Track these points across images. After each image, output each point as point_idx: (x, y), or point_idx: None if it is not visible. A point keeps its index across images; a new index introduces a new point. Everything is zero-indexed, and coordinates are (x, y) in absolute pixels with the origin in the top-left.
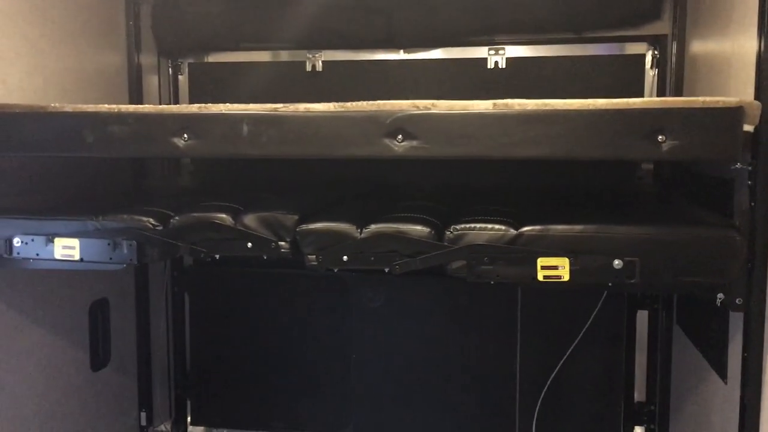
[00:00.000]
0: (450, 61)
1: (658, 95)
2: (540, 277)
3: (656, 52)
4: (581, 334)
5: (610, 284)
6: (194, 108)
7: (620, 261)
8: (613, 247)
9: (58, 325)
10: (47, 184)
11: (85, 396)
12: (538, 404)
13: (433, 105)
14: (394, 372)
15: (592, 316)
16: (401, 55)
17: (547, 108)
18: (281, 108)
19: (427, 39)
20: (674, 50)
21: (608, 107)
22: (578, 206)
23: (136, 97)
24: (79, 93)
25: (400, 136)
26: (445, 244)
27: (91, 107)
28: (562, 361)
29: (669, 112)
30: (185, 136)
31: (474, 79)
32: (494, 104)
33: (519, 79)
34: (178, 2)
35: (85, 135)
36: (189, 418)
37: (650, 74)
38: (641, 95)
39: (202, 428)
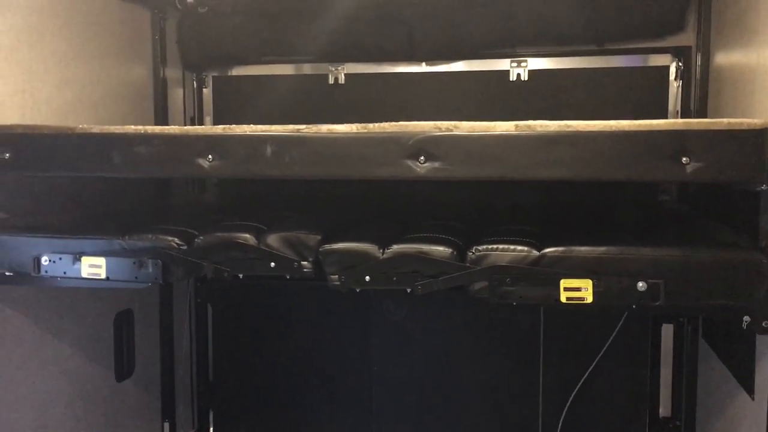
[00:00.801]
0: (472, 74)
1: (682, 108)
2: (563, 299)
3: (680, 64)
4: (605, 348)
5: (633, 306)
6: (219, 129)
7: (644, 283)
8: (637, 269)
9: (84, 335)
10: (74, 201)
11: (110, 406)
12: (561, 419)
13: (455, 126)
14: (415, 385)
15: (616, 330)
16: (423, 68)
17: (569, 129)
18: (304, 129)
19: (449, 51)
20: (699, 62)
21: (631, 129)
22: (601, 226)
23: (162, 110)
24: (106, 106)
25: (422, 158)
26: (467, 264)
27: (118, 128)
28: (585, 376)
29: (693, 134)
30: (210, 156)
31: (496, 92)
32: (516, 126)
33: (541, 91)
34: (202, 17)
35: (112, 155)
36: (211, 429)
37: (674, 86)
38: (665, 108)
39: None
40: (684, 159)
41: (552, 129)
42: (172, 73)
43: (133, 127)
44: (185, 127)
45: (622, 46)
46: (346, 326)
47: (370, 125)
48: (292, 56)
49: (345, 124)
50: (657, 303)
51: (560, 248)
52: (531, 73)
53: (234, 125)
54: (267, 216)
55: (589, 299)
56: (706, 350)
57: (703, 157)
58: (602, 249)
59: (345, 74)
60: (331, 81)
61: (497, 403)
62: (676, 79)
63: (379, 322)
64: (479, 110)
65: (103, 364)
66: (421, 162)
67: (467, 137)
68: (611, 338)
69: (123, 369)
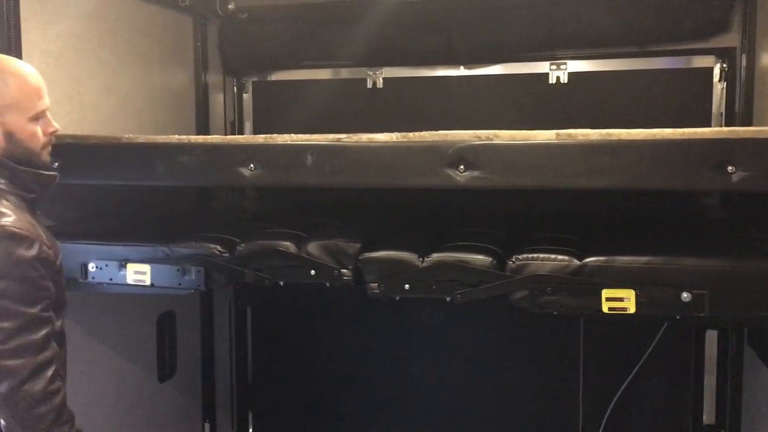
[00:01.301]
0: (510, 77)
1: (726, 110)
2: (605, 309)
3: (724, 66)
4: (647, 354)
5: (677, 317)
6: (260, 139)
7: (689, 293)
8: (681, 279)
9: (127, 336)
10: (119, 207)
11: (152, 406)
12: (602, 427)
13: (495, 135)
14: (452, 388)
15: (659, 336)
16: (461, 71)
17: (611, 138)
18: (344, 138)
19: (487, 55)
20: (743, 63)
21: (675, 137)
22: (642, 233)
23: (203, 115)
24: (150, 112)
25: (462, 167)
26: (507, 273)
27: (162, 138)
28: (626, 383)
29: (738, 143)
30: (251, 165)
31: (535, 95)
32: (557, 134)
33: (581, 94)
34: (243, 23)
35: (156, 164)
36: (251, 429)
37: (718, 88)
38: (709, 111)
39: None
40: (729, 168)
41: (593, 137)
42: (213, 78)
43: (176, 136)
44: (227, 137)
45: (665, 48)
46: (384, 329)
47: (410, 134)
48: (330, 61)
49: (385, 134)
50: (702, 314)
51: (602, 258)
52: (570, 75)
53: (275, 135)
54: (306, 223)
55: (632, 309)
56: (752, 357)
57: (749, 166)
58: (645, 259)
59: (383, 78)
60: (369, 85)
61: (535, 409)
62: (720, 81)
63: (416, 326)
64: (518, 113)
65: (146, 365)
66: (461, 171)
67: (507, 146)
68: (653, 344)
69: (165, 370)
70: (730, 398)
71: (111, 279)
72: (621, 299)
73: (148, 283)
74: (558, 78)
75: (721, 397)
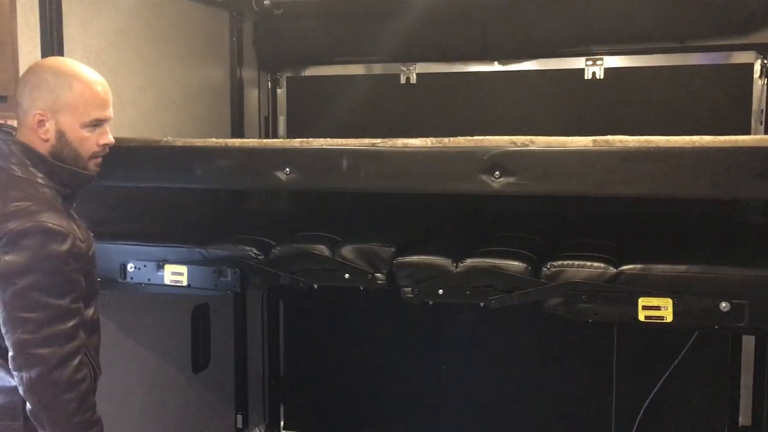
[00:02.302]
0: (546, 73)
1: (767, 107)
2: (641, 318)
3: (765, 62)
4: (682, 354)
5: (716, 327)
6: (296, 143)
7: (727, 303)
8: (720, 289)
9: (163, 328)
10: (155, 207)
11: (186, 396)
12: (635, 427)
13: (531, 141)
14: (484, 386)
15: (694, 336)
16: (496, 67)
17: (649, 145)
18: (379, 143)
19: (522, 50)
20: None
21: (715, 145)
22: (680, 240)
23: (238, 110)
24: (187, 106)
25: (497, 172)
26: (542, 280)
27: (200, 141)
28: (660, 382)
29: None
30: (287, 169)
31: (570, 91)
32: (594, 141)
33: (618, 90)
34: (278, 19)
35: (194, 167)
36: (282, 423)
37: (758, 85)
38: (749, 107)
39: None
40: None
41: (631, 144)
42: (248, 73)
43: (213, 140)
44: (263, 140)
45: (704, 43)
46: (416, 324)
47: (445, 140)
48: (364, 56)
49: (420, 139)
50: (741, 324)
51: (638, 266)
52: (607, 71)
53: (311, 139)
54: (340, 226)
55: (669, 318)
56: None
57: None
58: (682, 267)
59: (417, 74)
60: (402, 81)
61: (568, 407)
62: (760, 77)
63: (449, 323)
64: (553, 110)
65: (181, 356)
66: (497, 177)
67: (543, 152)
68: (689, 344)
69: (199, 361)
70: (767, 399)
71: (149, 279)
72: (658, 308)
73: (185, 284)
74: (594, 74)
75: (757, 398)
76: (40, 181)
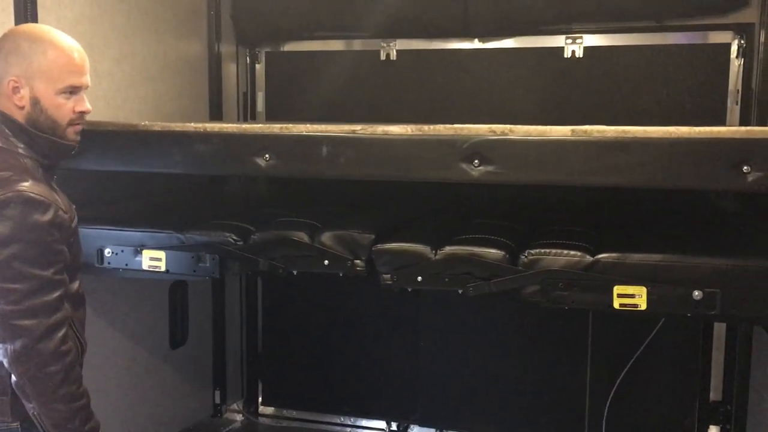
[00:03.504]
0: (525, 50)
1: (743, 87)
2: (616, 305)
3: (743, 42)
4: (655, 331)
5: (688, 315)
6: (276, 128)
7: (700, 292)
8: (693, 277)
9: (140, 304)
10: (132, 189)
11: (164, 372)
12: (608, 401)
13: (510, 130)
14: (462, 365)
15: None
16: (476, 44)
17: (627, 136)
18: (359, 130)
19: (502, 28)
20: (762, 39)
21: (691, 136)
22: (657, 229)
23: (216, 85)
24: (164, 80)
25: (476, 161)
26: (520, 268)
27: (178, 126)
28: (633, 359)
29: (755, 143)
30: (267, 156)
31: (550, 69)
32: (573, 131)
33: (596, 69)
34: None
35: (173, 152)
36: (260, 399)
37: (735, 65)
38: (725, 87)
39: (272, 409)
40: (745, 168)
41: (609, 135)
42: (227, 48)
43: (193, 125)
44: (243, 126)
45: (682, 23)
46: (394, 302)
47: (425, 127)
48: (344, 32)
49: (400, 126)
50: (713, 312)
51: (614, 254)
52: (586, 50)
53: (290, 125)
54: (320, 211)
55: (643, 306)
56: (761, 333)
57: (765, 167)
58: (657, 257)
59: (397, 50)
60: (382, 57)
61: (544, 380)
62: (737, 57)
63: (426, 298)
64: (533, 88)
65: (158, 332)
66: (476, 165)
67: (522, 141)
68: (661, 322)
69: (177, 337)
70: (737, 375)
71: (127, 264)
72: (632, 296)
73: (163, 269)
74: (573, 52)
75: (728, 373)
76: (20, 151)
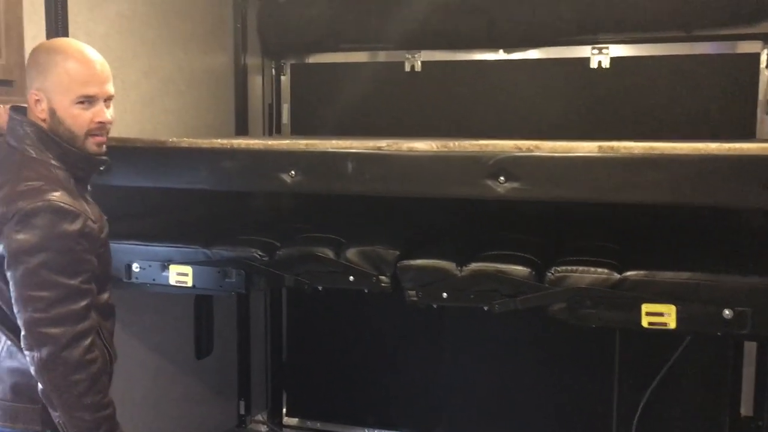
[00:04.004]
0: (551, 61)
1: None
2: (644, 324)
3: None
4: (684, 345)
5: (719, 334)
6: (301, 145)
7: (731, 311)
8: (724, 296)
9: (167, 314)
10: (160, 202)
11: (190, 382)
12: (637, 416)
13: (536, 147)
14: (486, 378)
15: None
16: (501, 55)
17: (654, 152)
18: (385, 146)
19: (528, 39)
20: None
21: (721, 152)
22: (685, 246)
23: (241, 96)
24: (190, 93)
25: (502, 177)
26: (546, 285)
27: (205, 142)
28: (662, 372)
29: None
30: (292, 172)
31: (576, 80)
32: (599, 147)
33: (623, 79)
34: (282, 5)
35: (199, 169)
36: (284, 410)
37: (765, 75)
38: (755, 98)
39: (296, 420)
40: None
41: (636, 151)
42: (252, 60)
43: (219, 141)
44: (269, 142)
45: (710, 33)
46: (419, 314)
47: (450, 143)
48: (368, 44)
49: (425, 142)
50: (744, 332)
51: (642, 272)
52: (613, 60)
53: (316, 141)
54: (345, 227)
55: (672, 325)
56: None
57: None
58: (686, 275)
59: (421, 62)
60: (407, 69)
61: (570, 394)
62: (766, 67)
63: (452, 311)
64: (558, 99)
65: (184, 343)
66: (501, 182)
67: (548, 158)
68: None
69: (202, 348)
70: None
71: (154, 279)
72: (661, 314)
73: (190, 284)
74: (600, 62)
75: (759, 387)
76: (53, 162)
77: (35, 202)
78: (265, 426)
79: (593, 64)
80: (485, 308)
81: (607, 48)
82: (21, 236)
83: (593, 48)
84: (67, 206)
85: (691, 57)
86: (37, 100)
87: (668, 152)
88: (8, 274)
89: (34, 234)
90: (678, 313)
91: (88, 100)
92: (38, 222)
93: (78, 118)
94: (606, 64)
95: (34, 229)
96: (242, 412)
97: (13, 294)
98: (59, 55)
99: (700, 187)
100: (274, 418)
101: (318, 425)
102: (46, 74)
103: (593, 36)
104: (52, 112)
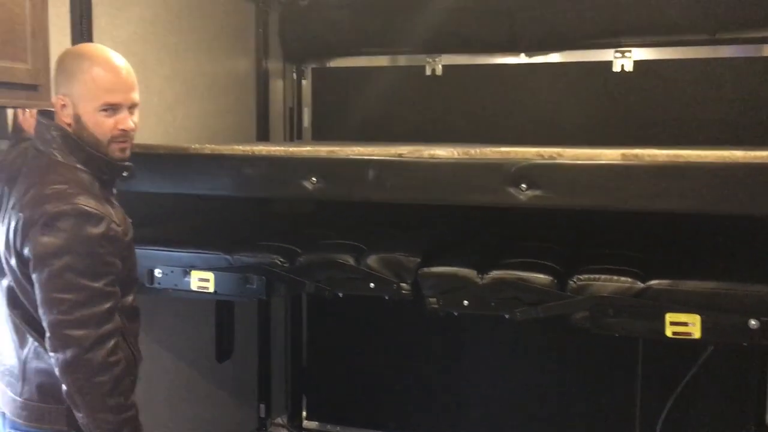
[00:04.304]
0: (573, 65)
1: None
2: (668, 333)
3: None
4: (708, 353)
5: (744, 344)
6: (323, 152)
7: (756, 321)
8: (749, 306)
9: (188, 317)
10: (181, 208)
11: (210, 385)
12: (660, 422)
13: (558, 154)
14: (505, 384)
15: None
16: (522, 59)
17: (679, 160)
18: (406, 153)
19: (550, 42)
20: None
21: (747, 160)
22: (709, 252)
23: (263, 101)
24: (212, 97)
25: (524, 185)
26: (568, 293)
27: (227, 149)
28: (686, 378)
29: None
30: (313, 179)
31: (598, 84)
32: (623, 154)
33: (646, 83)
34: (303, 10)
35: (221, 175)
36: (304, 413)
37: None
38: None
39: (316, 423)
40: None
41: (661, 159)
42: (274, 64)
43: (240, 147)
44: (290, 149)
45: (735, 36)
46: (438, 319)
47: (472, 151)
48: (389, 48)
49: (446, 149)
50: None
51: (666, 281)
52: (636, 64)
53: (337, 148)
54: (365, 233)
55: (697, 335)
56: None
57: None
58: (711, 284)
59: (442, 66)
60: (428, 72)
61: (591, 403)
62: None
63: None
64: (581, 103)
65: (206, 345)
66: (523, 189)
67: (571, 166)
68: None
69: (223, 351)
70: None
71: (176, 285)
72: (686, 324)
73: (211, 290)
74: (623, 66)
75: None
76: (78, 166)
77: (60, 206)
78: (285, 429)
79: (616, 68)
80: (507, 316)
81: (630, 51)
82: (46, 239)
83: (616, 51)
84: (91, 209)
85: (715, 60)
86: (63, 105)
87: (693, 160)
88: (34, 277)
89: (58, 237)
90: (703, 322)
91: (112, 108)
92: (63, 225)
93: (101, 125)
94: (629, 67)
95: (59, 233)
96: (262, 415)
97: (38, 296)
98: (86, 62)
99: (726, 196)
100: (294, 422)
101: (338, 429)
102: (73, 80)
103: (616, 39)
104: (77, 118)
